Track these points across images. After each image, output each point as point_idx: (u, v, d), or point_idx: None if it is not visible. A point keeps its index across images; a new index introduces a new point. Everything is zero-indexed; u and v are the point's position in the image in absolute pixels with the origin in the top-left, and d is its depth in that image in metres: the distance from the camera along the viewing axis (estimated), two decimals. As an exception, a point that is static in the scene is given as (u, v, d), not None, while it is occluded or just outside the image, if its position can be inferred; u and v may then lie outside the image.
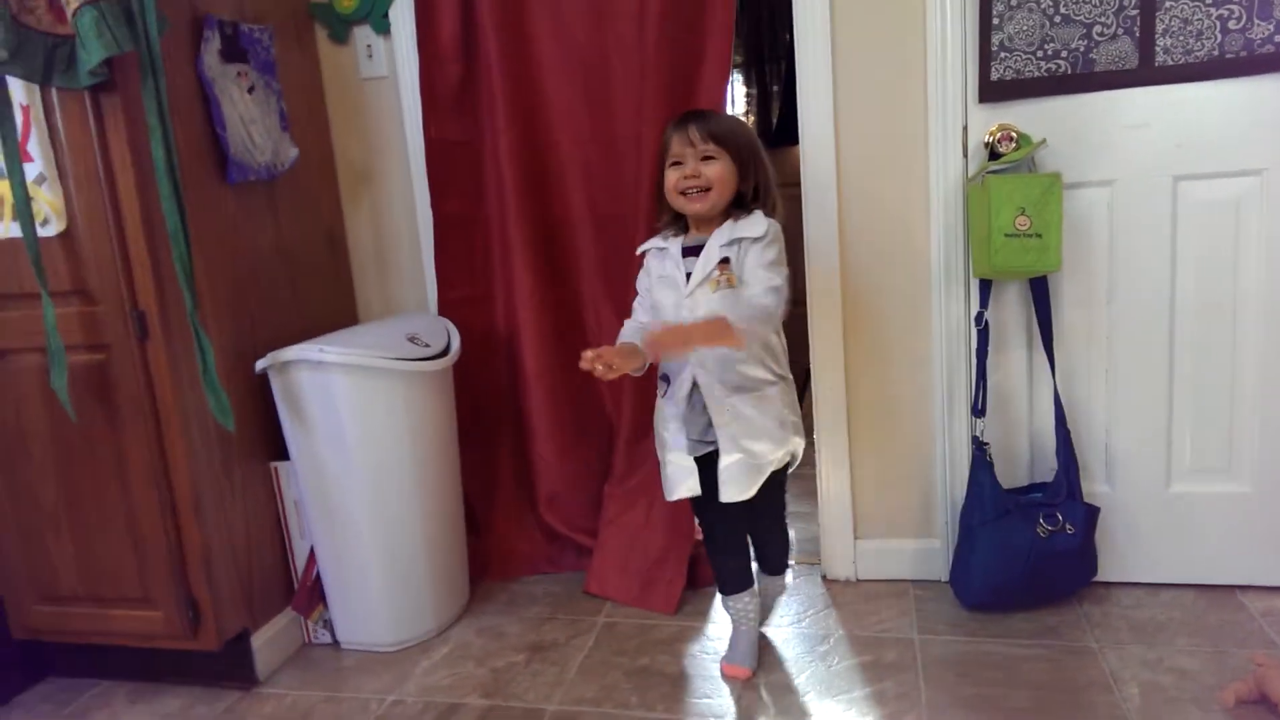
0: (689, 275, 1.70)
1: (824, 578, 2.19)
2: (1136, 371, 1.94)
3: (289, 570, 2.05)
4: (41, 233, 1.70)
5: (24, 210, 1.66)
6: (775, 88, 3.80)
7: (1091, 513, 1.93)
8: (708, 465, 1.71)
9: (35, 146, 1.68)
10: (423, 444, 1.98)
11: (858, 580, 2.17)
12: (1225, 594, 1.96)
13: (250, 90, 1.94)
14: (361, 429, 1.89)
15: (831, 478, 2.14)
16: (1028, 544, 1.89)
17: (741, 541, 1.86)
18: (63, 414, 1.75)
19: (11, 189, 1.66)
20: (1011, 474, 2.04)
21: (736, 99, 3.90)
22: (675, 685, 1.80)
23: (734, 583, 1.86)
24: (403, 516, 1.97)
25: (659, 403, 1.79)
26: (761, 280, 1.63)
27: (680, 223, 1.77)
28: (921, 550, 2.13)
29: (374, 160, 2.27)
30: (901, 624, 1.96)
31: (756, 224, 1.67)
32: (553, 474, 2.31)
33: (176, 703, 1.88)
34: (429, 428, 2.00)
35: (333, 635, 2.05)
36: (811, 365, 2.11)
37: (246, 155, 1.91)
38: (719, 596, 1.96)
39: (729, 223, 1.69)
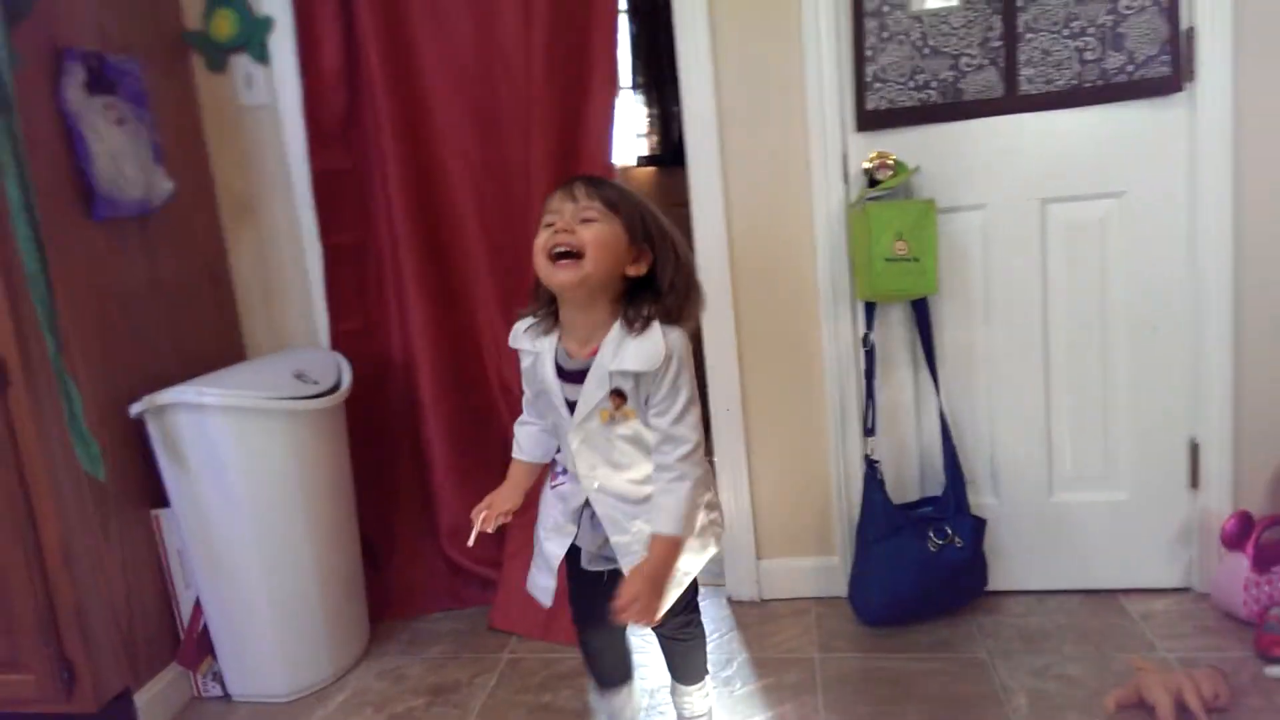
0: (571, 404, 1.35)
1: (729, 599, 2.21)
2: (1016, 387, 2.01)
3: (174, 622, 1.96)
4: (-115, 279, 1.59)
5: None
6: (675, 108, 3.84)
7: (979, 524, 1.99)
8: (606, 583, 1.39)
9: (-124, 187, 1.58)
10: (312, 484, 1.93)
11: (762, 600, 2.19)
12: (1108, 598, 2.04)
13: (120, 123, 1.86)
14: (246, 473, 1.83)
15: (732, 500, 2.16)
16: (919, 558, 1.94)
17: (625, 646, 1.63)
18: (-86, 470, 1.64)
19: None
20: (903, 490, 2.09)
21: (638, 119, 3.93)
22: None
23: (610, 678, 1.62)
24: (293, 561, 1.91)
25: (547, 488, 1.50)
26: (675, 446, 1.31)
27: (552, 312, 1.37)
28: (821, 568, 2.16)
29: (257, 191, 2.21)
30: (803, 643, 1.99)
31: (651, 348, 1.28)
32: (454, 505, 2.27)
33: (50, 770, 1.78)
34: (318, 467, 1.95)
35: (223, 688, 1.97)
36: (708, 386, 2.12)
37: (116, 190, 1.83)
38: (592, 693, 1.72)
39: (617, 331, 1.30)
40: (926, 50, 1.86)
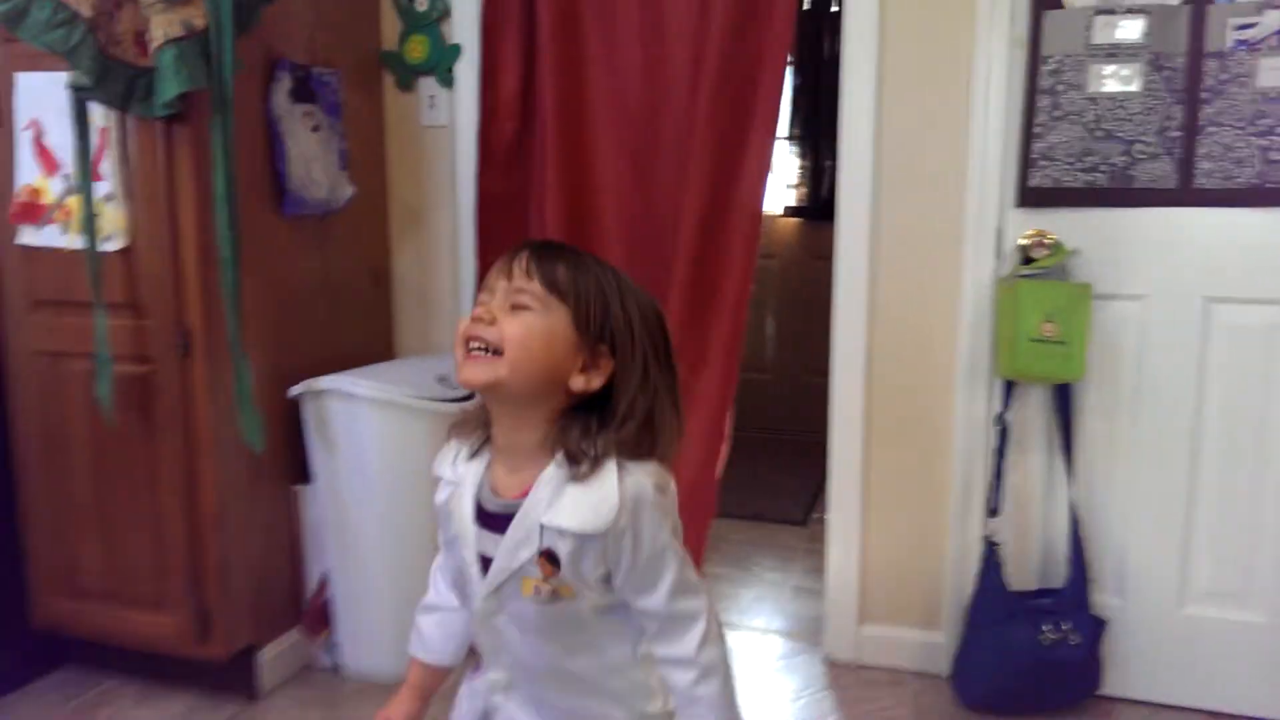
0: (485, 562, 0.97)
1: (824, 659, 2.18)
2: (1157, 487, 1.92)
3: (300, 592, 2.10)
4: (104, 247, 1.79)
5: (88, 225, 1.76)
6: (828, 163, 3.85)
7: (1099, 624, 1.90)
8: None
9: (108, 166, 1.79)
10: (440, 483, 2.03)
11: (859, 665, 2.16)
12: (1233, 724, 1.91)
13: (315, 129, 2.04)
14: (384, 462, 1.95)
15: (841, 559, 2.14)
16: (1030, 649, 1.87)
17: None
18: (102, 419, 1.83)
19: (81, 204, 1.76)
20: (1022, 576, 2.02)
21: (789, 170, 3.96)
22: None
23: None
24: (417, 551, 2.01)
25: (464, 681, 1.13)
26: (684, 629, 0.96)
27: (486, 431, 1.01)
28: (925, 642, 2.11)
29: (425, 204, 2.36)
30: (897, 714, 1.95)
31: (598, 501, 0.91)
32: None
33: (180, 707, 1.93)
34: (448, 467, 2.05)
35: (336, 660, 2.09)
36: (829, 443, 2.12)
37: (304, 190, 2.00)
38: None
39: (554, 469, 0.94)
40: (1099, 133, 1.82)
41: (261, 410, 1.87)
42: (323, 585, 2.08)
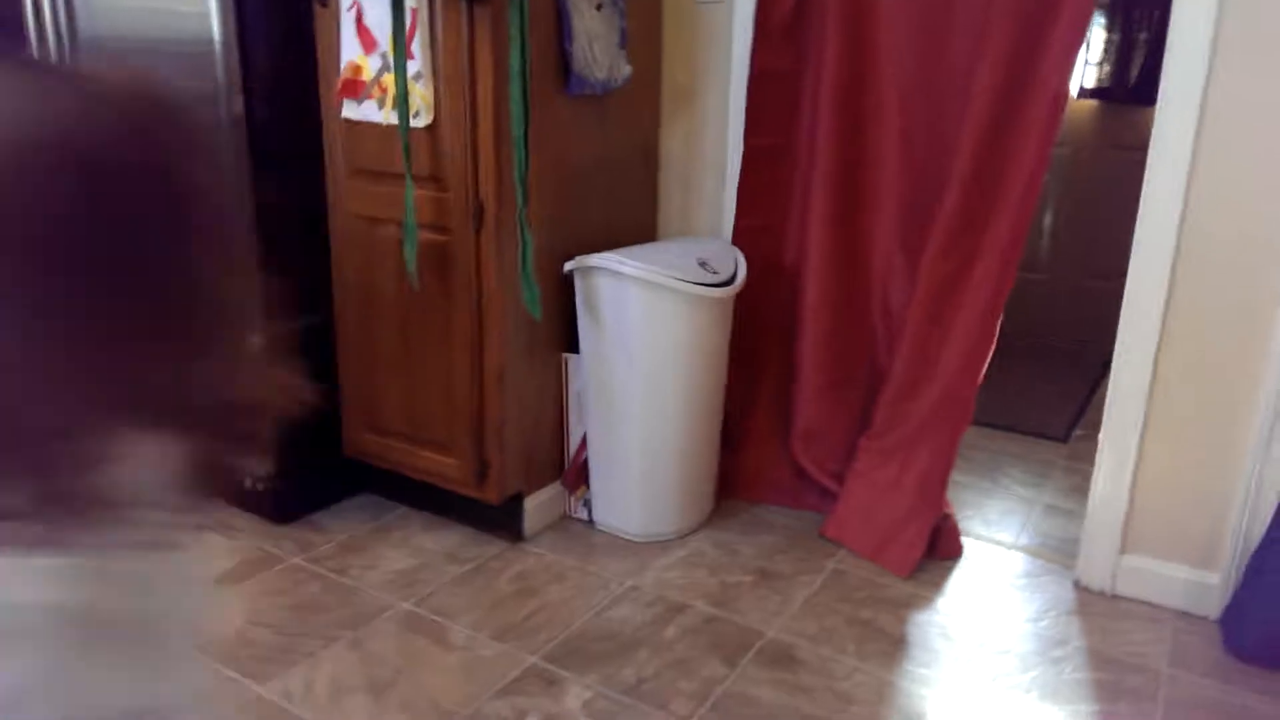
0: None
1: (1075, 583, 2.09)
2: None
3: (563, 450, 2.29)
4: (413, 123, 1.96)
5: (402, 102, 1.92)
6: (1142, 35, 3.38)
7: None
8: None
9: (417, 46, 1.92)
10: (696, 361, 2.11)
11: (1113, 595, 2.04)
12: None
13: (599, 8, 2.07)
14: (646, 338, 2.04)
15: (1108, 479, 2.00)
16: (1329, 607, 1.68)
17: None
18: (407, 280, 2.04)
19: (395, 81, 1.92)
20: (1329, 527, 1.80)
21: (1094, 44, 3.52)
22: (894, 646, 1.83)
23: None
24: (667, 422, 2.13)
25: None
26: None
27: None
28: (1195, 581, 1.96)
29: (696, 84, 2.35)
30: (1153, 652, 1.84)
31: None
32: (811, 412, 2.36)
33: (457, 539, 2.20)
34: (704, 347, 2.12)
35: (590, 514, 2.28)
36: (1115, 355, 1.95)
37: (587, 70, 2.06)
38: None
39: None
40: None
41: (540, 282, 2.01)
42: (582, 446, 2.25)
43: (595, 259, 2.04)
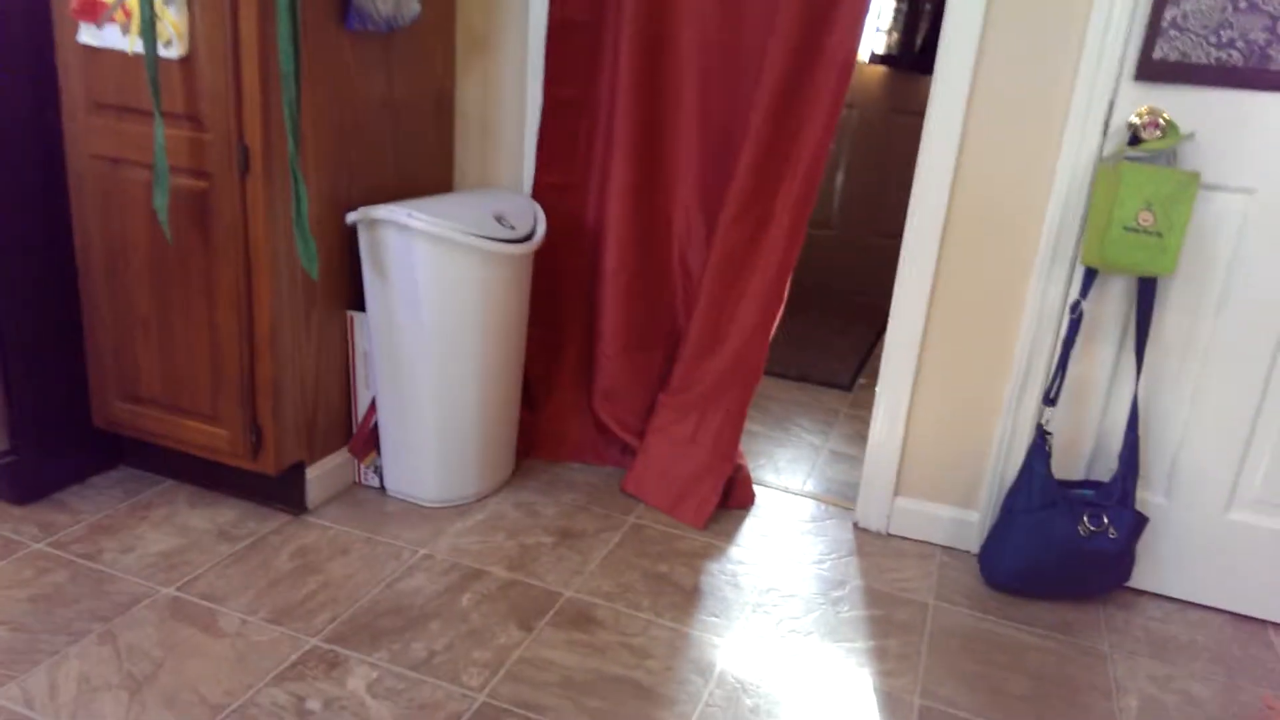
0: None
1: (855, 525, 2.22)
2: (1226, 391, 1.85)
3: (350, 415, 2.15)
4: (163, 53, 1.73)
5: (147, 28, 1.69)
6: (928, 5, 3.57)
7: (1140, 522, 1.89)
8: None
9: (167, -36, 1.69)
10: (492, 320, 2.03)
11: (888, 534, 2.19)
12: (1257, 628, 1.92)
13: (380, -65, 1.90)
14: (437, 296, 1.94)
15: (884, 426, 2.13)
16: (1066, 539, 1.87)
17: None
18: (162, 230, 1.83)
19: (140, 4, 1.69)
20: (1069, 466, 2.00)
21: (884, 12, 3.67)
22: (687, 598, 1.87)
23: None
24: (462, 384, 2.04)
25: None
26: None
27: None
28: (957, 519, 2.13)
29: (493, 29, 2.23)
30: (921, 586, 1.99)
31: None
32: (612, 370, 2.35)
33: (231, 514, 2.03)
34: (500, 306, 2.04)
35: (381, 481, 2.17)
36: (892, 303, 2.06)
37: (369, 4, 1.89)
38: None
39: None
40: (1242, 3, 1.63)
41: (320, 235, 1.85)
42: (371, 410, 2.12)
43: (381, 210, 1.90)
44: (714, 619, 1.81)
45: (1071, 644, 1.82)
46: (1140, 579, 1.99)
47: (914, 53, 3.55)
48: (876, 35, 3.71)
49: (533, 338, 2.35)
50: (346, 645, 1.63)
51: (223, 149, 1.76)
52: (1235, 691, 1.72)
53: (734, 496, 2.24)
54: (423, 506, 2.12)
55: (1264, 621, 1.94)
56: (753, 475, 2.43)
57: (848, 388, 3.14)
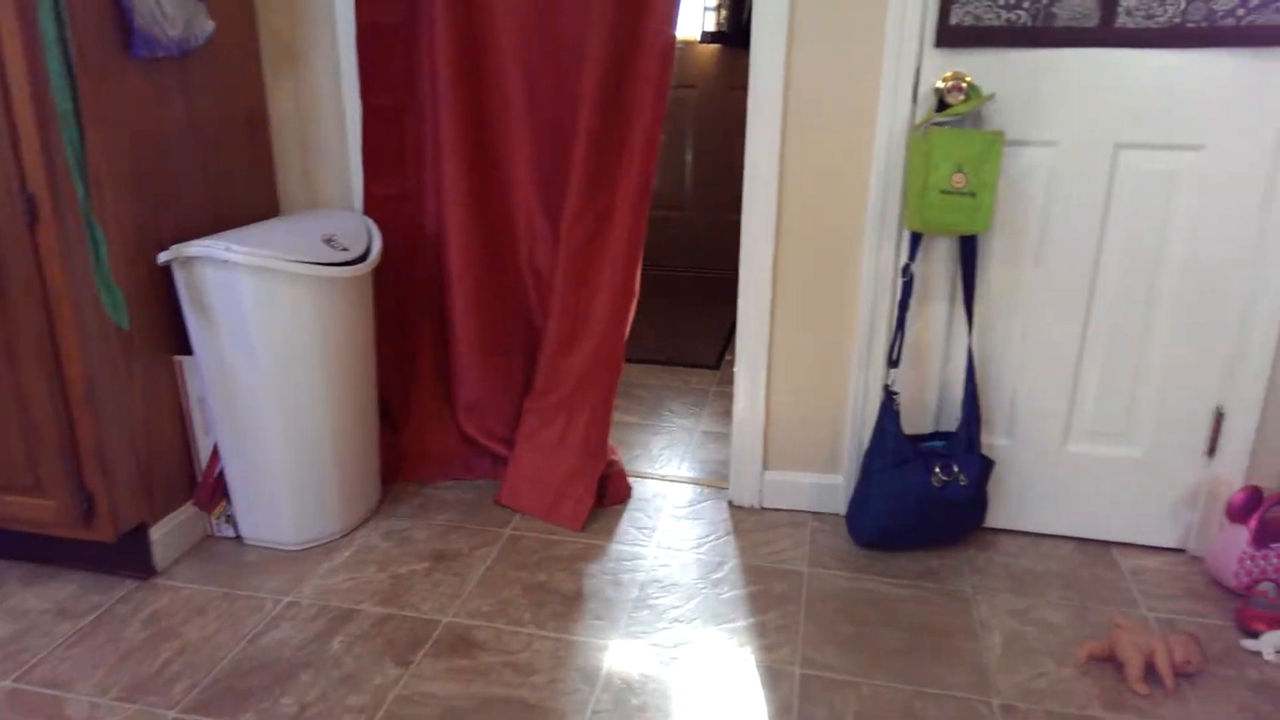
0: None
1: (730, 503, 2.25)
2: (1052, 334, 1.96)
3: (192, 465, 2.03)
4: (-84, 99, 1.56)
5: (-105, 73, 1.52)
6: (747, -18, 3.62)
7: (986, 465, 1.99)
8: None
9: (-93, 1, 1.53)
10: (334, 347, 1.94)
11: (761, 508, 2.23)
12: (1102, 550, 2.06)
13: (157, -48, 1.77)
14: (268, 331, 1.84)
15: (747, 406, 2.16)
16: (921, 491, 1.96)
17: None
18: (-54, 295, 1.66)
19: (-120, 47, 1.51)
20: (919, 421, 2.08)
21: (706, -8, 3.72)
22: (569, 604, 1.85)
23: None
24: (310, 417, 1.95)
25: None
26: None
27: None
28: (824, 485, 2.19)
29: (300, 36, 2.12)
30: (795, 555, 2.04)
31: None
32: (471, 380, 2.30)
33: (71, 588, 1.88)
34: (341, 331, 1.96)
35: (236, 530, 2.06)
36: (740, 293, 2.09)
37: (155, 27, 1.76)
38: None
39: None
40: (1021, -32, 1.71)
41: (130, 279, 1.72)
42: (214, 457, 2.01)
43: (195, 247, 1.78)
44: (598, 622, 1.80)
45: (939, 590, 1.90)
46: (994, 518, 2.10)
47: (743, 29, 3.60)
48: (706, 14, 3.75)
49: (385, 356, 2.27)
50: (208, 713, 1.53)
51: (4, 199, 1.61)
52: (1087, 613, 1.84)
53: (609, 493, 2.24)
54: (284, 551, 2.02)
55: (1107, 542, 2.08)
56: (628, 467, 2.44)
57: (715, 366, 3.18)
